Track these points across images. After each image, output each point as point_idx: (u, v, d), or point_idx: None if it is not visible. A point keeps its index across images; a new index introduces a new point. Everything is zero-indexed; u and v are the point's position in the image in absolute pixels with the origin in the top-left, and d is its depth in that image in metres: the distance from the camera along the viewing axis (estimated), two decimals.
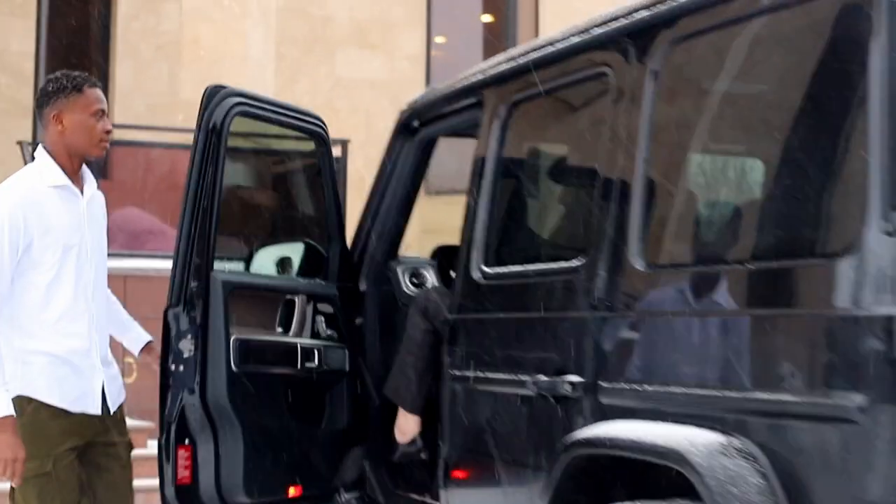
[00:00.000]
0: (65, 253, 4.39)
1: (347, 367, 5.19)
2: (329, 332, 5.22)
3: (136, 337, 4.91)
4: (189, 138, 10.97)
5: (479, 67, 4.69)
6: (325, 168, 5.49)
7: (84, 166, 4.57)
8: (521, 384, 3.86)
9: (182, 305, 4.72)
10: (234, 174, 10.71)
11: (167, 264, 9.70)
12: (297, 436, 5.03)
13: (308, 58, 14.04)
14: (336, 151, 11.10)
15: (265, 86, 11.69)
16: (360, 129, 13.34)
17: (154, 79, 13.61)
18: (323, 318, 5.23)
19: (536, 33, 15.55)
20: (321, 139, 5.47)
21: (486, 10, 16.04)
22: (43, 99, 4.50)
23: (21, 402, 4.28)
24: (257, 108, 5.09)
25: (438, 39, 15.43)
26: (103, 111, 4.51)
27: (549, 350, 3.82)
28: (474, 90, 4.63)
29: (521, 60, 4.29)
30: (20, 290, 4.35)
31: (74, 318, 4.40)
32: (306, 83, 13.64)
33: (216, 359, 4.71)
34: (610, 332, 3.58)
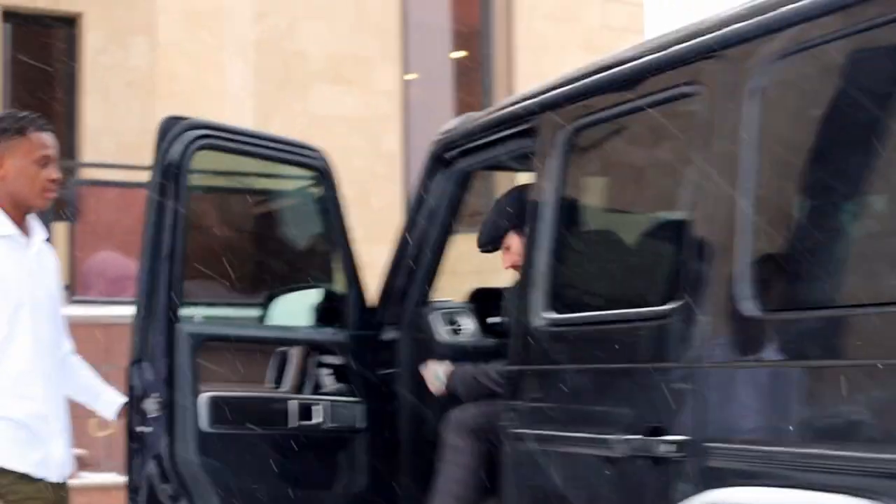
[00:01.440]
0: (17, 309, 3.96)
1: (364, 424, 4.74)
2: (337, 385, 4.77)
3: (110, 400, 4.43)
4: None
5: (528, 92, 4.25)
6: (330, 205, 5.04)
7: (32, 215, 4.15)
8: (603, 444, 3.41)
9: (145, 360, 4.31)
10: (227, 214, 10.28)
11: None
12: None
13: (282, 93, 13.61)
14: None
15: (244, 122, 11.24)
16: (336, 167, 12.87)
17: (124, 116, 13.14)
18: (330, 371, 4.78)
19: (510, 68, 15.21)
20: (324, 173, 5.03)
21: (458, 46, 15.68)
22: None
23: None
24: (229, 140, 4.68)
25: (413, 75, 15.05)
26: (49, 157, 4.09)
27: (638, 405, 3.37)
28: (524, 116, 4.19)
29: (586, 81, 3.85)
30: None
31: (32, 380, 3.99)
32: (281, 120, 13.18)
33: (184, 419, 4.30)
34: (717, 385, 3.12)
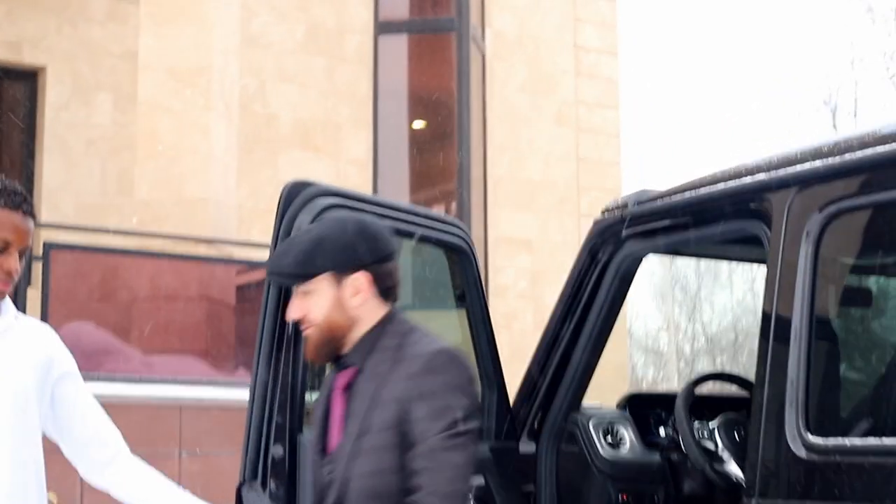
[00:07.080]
0: None
1: None
2: None
3: None
4: (145, 243, 9.67)
5: (744, 167, 3.57)
6: (470, 290, 4.27)
7: None
8: None
9: (259, 479, 3.54)
10: None
11: (130, 389, 8.45)
12: None
13: (249, 158, 12.82)
14: None
15: (228, 186, 10.45)
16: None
17: (84, 175, 12.29)
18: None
19: (484, 138, 14.61)
20: (463, 253, 4.27)
21: (431, 115, 15.05)
22: None
23: None
24: (362, 211, 3.90)
25: (385, 143, 14.37)
26: (8, 242, 3.16)
27: None
28: (747, 195, 3.50)
29: (851, 157, 3.18)
30: None
31: None
32: (249, 186, 12.41)
33: None
34: None
